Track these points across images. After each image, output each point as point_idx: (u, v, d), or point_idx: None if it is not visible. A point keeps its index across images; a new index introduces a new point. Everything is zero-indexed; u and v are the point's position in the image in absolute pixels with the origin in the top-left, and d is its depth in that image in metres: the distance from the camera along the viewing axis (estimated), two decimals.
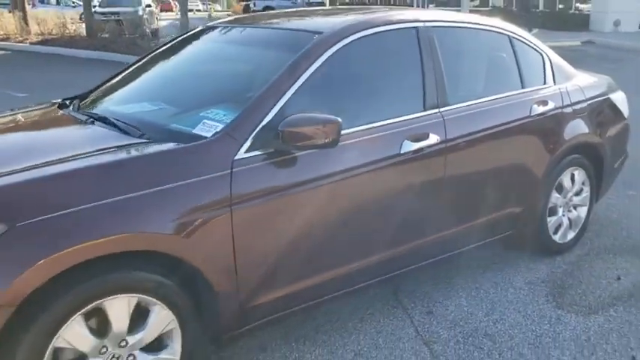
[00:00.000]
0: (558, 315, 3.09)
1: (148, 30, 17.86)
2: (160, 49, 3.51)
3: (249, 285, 2.36)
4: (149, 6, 21.98)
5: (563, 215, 3.77)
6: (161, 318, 2.17)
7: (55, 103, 3.25)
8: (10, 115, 3.12)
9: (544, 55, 3.71)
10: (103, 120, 2.69)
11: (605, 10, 20.48)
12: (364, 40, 2.81)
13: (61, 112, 3.04)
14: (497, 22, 3.59)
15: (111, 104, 3.05)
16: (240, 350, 2.69)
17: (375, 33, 2.88)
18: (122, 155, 2.22)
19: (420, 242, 2.93)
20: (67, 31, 17.38)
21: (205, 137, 2.36)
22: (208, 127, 2.41)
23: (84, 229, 1.96)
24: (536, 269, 3.59)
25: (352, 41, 2.76)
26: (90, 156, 2.22)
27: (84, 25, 17.38)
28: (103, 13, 18.16)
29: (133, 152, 2.25)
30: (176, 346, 2.24)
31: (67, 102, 3.25)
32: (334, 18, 3.28)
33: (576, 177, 3.77)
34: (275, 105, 2.45)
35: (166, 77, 3.24)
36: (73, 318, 1.96)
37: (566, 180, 3.70)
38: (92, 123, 2.69)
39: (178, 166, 2.22)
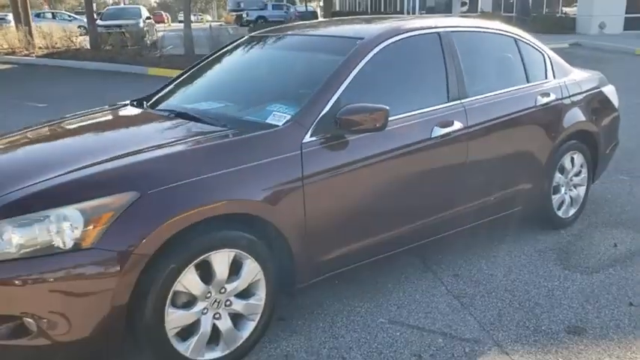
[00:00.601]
0: (566, 274, 3.62)
1: (148, 41, 18.38)
2: (214, 56, 4.03)
3: (316, 245, 2.87)
4: (149, 18, 22.51)
5: (565, 193, 4.31)
6: (251, 270, 2.68)
7: (126, 104, 3.77)
8: (97, 113, 3.64)
9: (544, 54, 4.27)
10: (184, 115, 3.21)
11: (591, 13, 21.24)
12: (397, 43, 3.36)
13: (141, 110, 3.56)
14: (503, 26, 4.16)
15: (180, 103, 3.56)
16: (300, 305, 3.19)
17: (406, 38, 3.42)
18: (220, 140, 2.75)
19: (449, 213, 3.46)
20: (72, 44, 17.86)
21: (277, 126, 2.88)
22: (278, 117, 2.94)
23: (197, 197, 2.48)
24: (543, 240, 4.12)
25: (388, 45, 3.30)
26: (194, 140, 2.75)
27: (87, 38, 17.89)
28: (106, 26, 18.63)
29: (228, 137, 2.78)
30: (262, 294, 2.75)
31: (135, 102, 3.77)
32: (369, 26, 3.81)
33: (575, 160, 4.32)
34: (331, 98, 2.98)
35: (225, 79, 3.77)
36: (188, 267, 2.47)
37: (567, 162, 4.25)
38: (176, 118, 3.20)
39: (262, 148, 2.74)
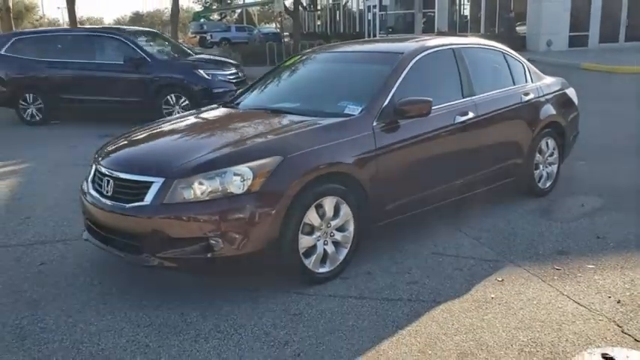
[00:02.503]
0: (549, 223, 4.94)
1: None
2: (280, 68, 5.26)
3: (383, 197, 4.09)
4: None
5: (543, 169, 5.67)
6: (346, 212, 3.88)
7: (219, 105, 4.97)
8: (204, 113, 4.81)
9: (523, 64, 5.65)
10: (277, 111, 4.42)
11: (539, 32, 23.31)
12: (427, 56, 4.66)
13: (234, 109, 4.76)
14: (493, 43, 5.52)
15: (261, 104, 4.76)
16: (373, 245, 4.38)
17: (432, 52, 4.73)
18: (323, 123, 3.97)
19: (467, 178, 4.75)
20: None
21: (354, 115, 4.12)
22: (352, 109, 4.16)
23: (316, 160, 3.69)
24: (530, 204, 5.45)
25: (421, 57, 4.60)
26: (302, 125, 3.95)
27: None
28: None
29: (327, 122, 3.99)
30: (351, 229, 3.94)
31: (222, 105, 4.97)
32: (402, 44, 5.10)
33: (549, 144, 5.69)
34: (389, 95, 4.23)
35: (293, 86, 4.99)
36: (311, 206, 3.67)
37: (543, 145, 5.61)
38: (272, 113, 4.41)
39: (349, 129, 3.97)
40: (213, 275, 3.89)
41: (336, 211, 3.85)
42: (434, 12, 30.48)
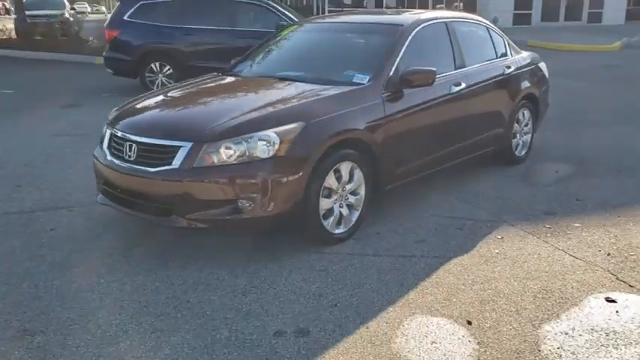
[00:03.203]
0: (531, 187, 5.32)
1: (73, 31, 18.65)
2: (275, 37, 5.37)
3: (392, 161, 4.33)
4: (73, 9, 22.54)
5: (520, 138, 6.05)
6: (358, 177, 4.10)
7: (219, 73, 5.05)
8: (210, 80, 4.89)
9: (504, 38, 5.97)
10: (285, 78, 4.56)
11: (487, 9, 23.98)
12: (424, 29, 4.88)
13: (241, 77, 4.86)
14: (478, 17, 5.81)
15: (265, 72, 4.88)
16: (381, 210, 4.63)
17: (428, 25, 4.96)
18: (337, 91, 4.14)
19: (462, 145, 5.06)
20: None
21: (363, 84, 4.31)
22: (361, 78, 4.36)
23: (334, 126, 3.88)
24: (509, 170, 5.82)
25: (419, 30, 4.82)
26: (317, 93, 4.12)
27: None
28: (32, 16, 18.68)
29: (341, 90, 4.17)
30: (363, 193, 4.17)
31: (221, 72, 5.06)
32: (400, 16, 5.29)
33: (525, 114, 6.07)
34: (394, 65, 4.45)
35: (295, 55, 5.12)
36: (330, 171, 3.87)
37: (520, 115, 5.98)
38: (281, 80, 4.54)
39: (361, 97, 4.17)
40: (240, 233, 4.06)
41: (351, 175, 4.06)
42: None
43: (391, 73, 4.40)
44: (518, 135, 6.02)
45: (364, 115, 4.12)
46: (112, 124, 4.16)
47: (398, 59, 4.49)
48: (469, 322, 3.05)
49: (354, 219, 4.14)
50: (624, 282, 3.53)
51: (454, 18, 5.39)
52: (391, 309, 3.19)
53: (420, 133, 4.59)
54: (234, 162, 3.59)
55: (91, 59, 15.05)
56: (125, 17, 9.93)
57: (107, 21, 10.64)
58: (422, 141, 4.64)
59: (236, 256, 3.85)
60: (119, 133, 3.96)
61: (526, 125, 6.14)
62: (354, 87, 4.26)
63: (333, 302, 3.27)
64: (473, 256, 3.87)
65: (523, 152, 6.14)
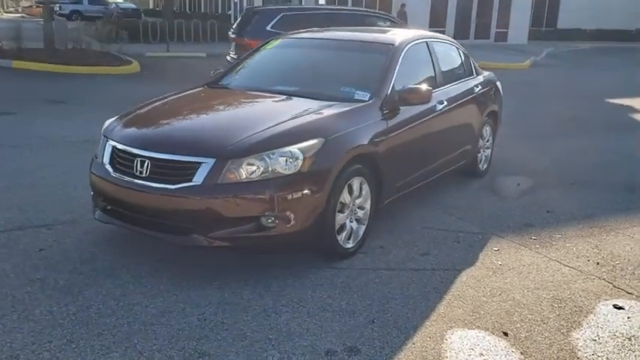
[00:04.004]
0: (501, 199, 5.62)
1: None
2: (261, 50, 5.33)
3: (391, 175, 4.43)
4: None
5: (482, 153, 6.37)
6: (366, 191, 4.17)
7: (204, 85, 4.95)
8: (203, 93, 4.77)
9: (470, 58, 6.27)
10: (283, 94, 4.54)
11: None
12: (412, 48, 5.04)
13: (233, 90, 4.79)
14: (448, 37, 6.07)
15: (257, 86, 4.83)
16: (380, 225, 4.69)
17: (413, 45, 5.12)
18: (344, 107, 4.18)
19: (443, 160, 5.25)
20: None
21: (365, 101, 4.39)
22: (362, 95, 4.43)
23: (349, 142, 3.92)
24: (472, 184, 6.10)
25: (408, 48, 4.98)
26: (327, 109, 4.13)
27: None
28: None
29: (349, 106, 4.22)
30: (368, 207, 4.23)
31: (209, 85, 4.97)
32: (388, 35, 5.38)
33: (488, 130, 6.40)
34: (391, 82, 4.56)
35: (285, 70, 5.09)
36: (345, 186, 3.91)
37: (484, 132, 6.30)
38: (280, 95, 4.52)
39: (367, 114, 4.24)
40: (261, 253, 3.99)
41: (360, 190, 4.12)
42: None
43: (389, 91, 4.51)
44: (482, 150, 6.32)
45: (371, 132, 4.19)
46: (113, 137, 3.97)
47: (394, 77, 4.61)
48: (505, 334, 3.20)
49: (361, 233, 4.20)
50: (621, 289, 3.82)
51: (431, 37, 5.60)
52: (427, 323, 3.27)
53: (413, 148, 4.73)
54: (258, 178, 3.55)
55: (8, 64, 14.11)
56: (268, 27, 10.28)
57: (247, 31, 10.57)
58: (414, 156, 4.79)
59: (252, 274, 3.78)
60: (125, 148, 3.79)
61: (487, 141, 6.47)
62: (359, 104, 4.32)
63: (369, 319, 3.30)
64: (480, 268, 4.03)
65: (485, 166, 6.47)
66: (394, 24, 11.51)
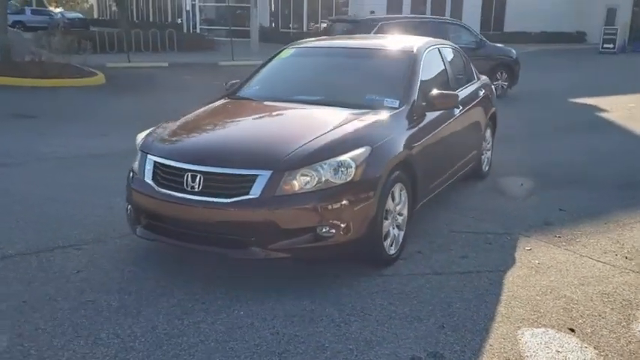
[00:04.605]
0: (512, 200, 5.77)
1: None
2: (275, 60, 5.30)
3: (424, 178, 4.48)
4: None
5: (485, 155, 6.52)
6: (405, 197, 4.21)
7: (224, 97, 4.90)
8: (231, 106, 4.71)
9: (470, 63, 6.42)
10: (313, 103, 4.54)
11: None
12: (429, 53, 5.13)
13: (258, 101, 4.75)
14: (451, 43, 6.20)
15: (284, 96, 4.80)
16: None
17: (429, 50, 5.21)
18: (380, 115, 4.21)
19: (462, 161, 5.36)
20: None
21: (396, 107, 4.43)
22: (392, 102, 4.48)
23: (392, 150, 3.96)
24: (477, 186, 6.24)
25: (425, 54, 5.06)
26: (365, 117, 4.16)
27: None
28: None
29: (384, 114, 4.24)
30: (405, 212, 4.27)
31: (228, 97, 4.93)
32: (405, 41, 5.44)
33: (489, 132, 6.56)
34: (416, 89, 4.63)
35: (308, 79, 5.06)
36: (389, 193, 3.93)
37: (487, 134, 6.46)
38: (311, 105, 4.51)
39: (401, 121, 4.29)
40: (317, 262, 3.96)
41: (400, 196, 4.15)
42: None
43: (416, 97, 4.57)
44: (484, 152, 6.47)
45: (407, 138, 4.24)
46: (154, 152, 3.87)
47: (418, 83, 4.68)
48: (572, 330, 3.29)
49: (401, 239, 4.23)
50: None
51: (440, 43, 5.71)
52: (495, 325, 3.33)
53: (439, 152, 4.80)
54: (313, 189, 3.53)
55: None
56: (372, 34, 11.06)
57: None
58: (440, 159, 4.87)
59: (304, 284, 3.76)
60: (173, 163, 3.70)
61: (488, 143, 6.63)
62: (392, 111, 4.36)
63: (438, 324, 3.33)
64: (521, 268, 4.13)
65: (487, 168, 6.62)
66: (468, 31, 13.19)
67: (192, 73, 16.73)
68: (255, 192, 3.47)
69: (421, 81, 4.73)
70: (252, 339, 3.13)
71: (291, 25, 29.79)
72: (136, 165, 3.99)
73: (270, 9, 30.88)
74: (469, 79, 6.06)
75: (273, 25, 31.00)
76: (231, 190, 3.51)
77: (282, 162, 3.54)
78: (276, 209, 3.47)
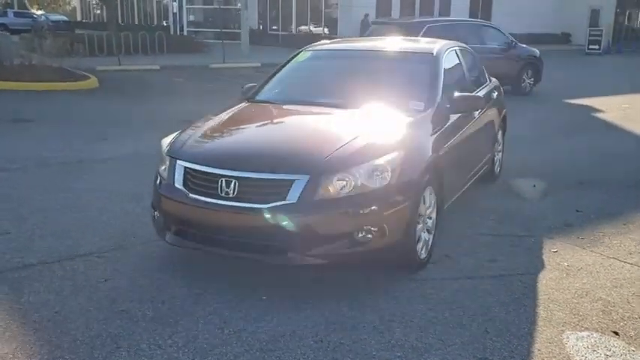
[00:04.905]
0: (527, 201, 5.77)
1: None
2: (293, 63, 5.24)
3: (450, 182, 4.45)
4: None
5: (497, 156, 6.52)
6: (434, 200, 4.18)
7: (243, 100, 4.84)
8: (254, 109, 4.66)
9: (482, 64, 6.42)
10: (335, 106, 4.49)
11: (352, 34, 25.16)
12: (448, 55, 5.11)
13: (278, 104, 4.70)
14: (464, 44, 6.19)
15: (306, 99, 4.74)
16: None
17: (448, 52, 5.19)
18: (410, 119, 4.17)
19: (480, 163, 5.34)
20: None
21: (420, 110, 4.40)
22: (417, 105, 4.44)
23: (423, 153, 3.95)
24: (491, 188, 6.23)
25: (445, 57, 5.04)
26: (392, 120, 4.12)
27: None
28: None
29: (413, 117, 4.20)
30: (434, 215, 4.24)
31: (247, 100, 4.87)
32: (424, 44, 5.43)
33: (500, 134, 6.56)
34: (439, 91, 4.60)
35: (328, 81, 5.01)
36: (421, 197, 3.89)
37: (499, 135, 6.46)
38: (334, 108, 4.47)
39: (427, 124, 4.26)
40: (348, 267, 3.90)
41: (430, 200, 4.12)
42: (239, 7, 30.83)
43: (439, 99, 4.54)
44: (497, 153, 6.47)
45: (434, 140, 4.21)
46: (184, 157, 3.80)
47: (441, 85, 4.65)
48: (615, 333, 3.28)
49: (430, 243, 4.20)
50: None
51: (456, 45, 5.69)
52: (538, 328, 3.31)
53: (462, 154, 4.78)
54: (350, 194, 3.49)
55: None
56: (419, 36, 11.55)
57: None
58: (463, 161, 4.86)
59: (337, 290, 3.72)
60: (205, 169, 3.63)
61: (500, 144, 6.63)
62: (418, 114, 4.33)
63: (482, 329, 3.31)
64: (552, 271, 4.12)
65: (498, 169, 6.62)
66: (501, 33, 14.03)
67: (184, 76, 16.58)
68: (293, 197, 3.41)
69: (443, 83, 4.70)
70: (298, 347, 3.07)
71: (279, 28, 29.70)
72: (163, 170, 3.90)
73: (258, 11, 30.74)
74: (483, 81, 6.05)
75: (261, 27, 30.88)
76: (267, 195, 3.46)
77: (319, 167, 3.49)
78: (314, 214, 3.42)
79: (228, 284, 3.76)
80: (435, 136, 4.27)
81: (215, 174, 3.58)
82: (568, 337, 3.22)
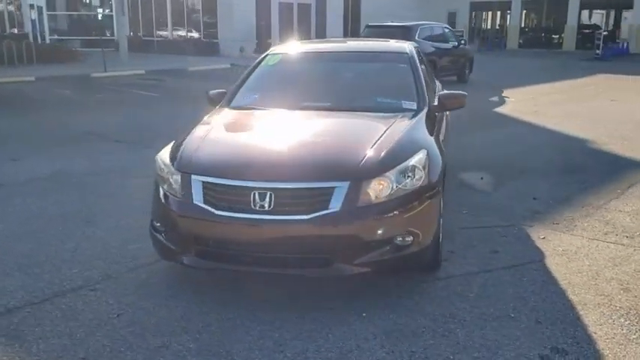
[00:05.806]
0: (486, 194, 6.00)
1: None
2: (262, 67, 5.01)
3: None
4: None
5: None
6: (442, 199, 4.19)
7: (221, 107, 4.57)
8: (252, 115, 4.41)
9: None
10: (332, 109, 4.37)
11: (234, 39, 24.83)
12: (416, 53, 5.17)
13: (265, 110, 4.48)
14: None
15: (291, 104, 4.55)
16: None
17: (414, 50, 5.25)
18: (414, 118, 4.14)
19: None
20: None
21: (414, 109, 4.40)
22: (410, 104, 4.45)
23: (438, 152, 3.93)
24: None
25: (415, 54, 5.09)
26: (402, 120, 4.07)
27: None
28: None
29: (412, 118, 4.18)
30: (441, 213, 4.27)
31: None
32: (393, 43, 5.42)
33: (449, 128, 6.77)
34: (424, 90, 4.64)
35: (307, 86, 4.82)
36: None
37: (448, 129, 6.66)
38: (334, 111, 4.34)
39: (428, 121, 4.27)
40: (394, 273, 3.82)
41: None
42: (112, 13, 29.25)
43: (426, 97, 4.58)
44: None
45: (435, 139, 4.23)
46: (200, 172, 3.47)
47: (423, 83, 4.70)
48: None
49: (441, 241, 4.21)
50: None
51: (415, 45, 5.77)
52: (582, 313, 3.44)
53: (441, 151, 4.84)
54: (389, 197, 3.39)
55: None
56: (416, 37, 14.70)
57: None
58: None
59: (371, 297, 3.61)
60: (232, 182, 3.35)
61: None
62: (414, 113, 4.32)
63: (533, 319, 3.36)
64: (553, 256, 4.30)
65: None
66: (454, 34, 17.72)
67: (68, 87, 15.36)
68: (335, 205, 3.25)
69: (423, 82, 4.75)
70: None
71: (153, 34, 28.52)
72: (172, 187, 3.53)
73: (129, 17, 29.31)
74: (433, 79, 6.20)
75: (132, 33, 29.47)
76: (307, 205, 3.26)
77: (358, 172, 3.36)
78: (359, 221, 3.29)
79: (258, 305, 3.49)
80: (434, 134, 4.29)
81: (247, 187, 3.31)
82: (603, 323, 3.35)
